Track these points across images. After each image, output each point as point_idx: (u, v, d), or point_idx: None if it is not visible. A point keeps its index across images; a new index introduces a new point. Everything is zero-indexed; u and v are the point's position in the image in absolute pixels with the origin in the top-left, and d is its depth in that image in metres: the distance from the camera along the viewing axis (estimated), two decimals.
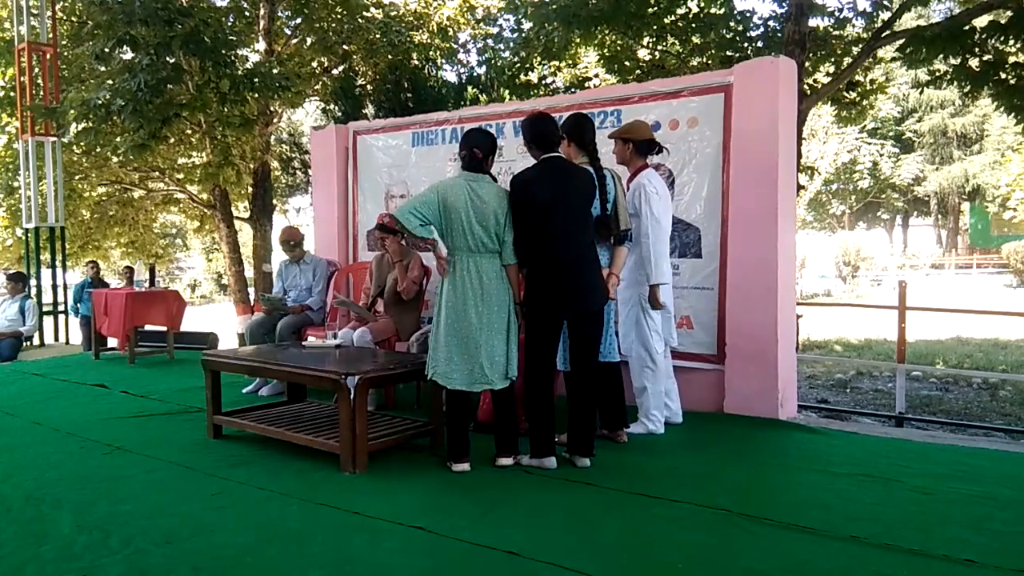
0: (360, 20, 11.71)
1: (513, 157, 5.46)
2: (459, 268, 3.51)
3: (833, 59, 9.90)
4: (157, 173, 13.20)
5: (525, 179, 3.54)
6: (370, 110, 12.28)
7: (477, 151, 3.57)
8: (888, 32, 8.84)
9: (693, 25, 9.91)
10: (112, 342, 7.74)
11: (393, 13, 12.10)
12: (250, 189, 12.69)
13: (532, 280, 3.54)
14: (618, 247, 3.91)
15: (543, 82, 12.97)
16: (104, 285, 10.77)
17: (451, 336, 3.49)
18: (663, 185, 4.19)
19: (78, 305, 10.20)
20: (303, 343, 4.97)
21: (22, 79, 9.63)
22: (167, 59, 8.26)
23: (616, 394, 4.04)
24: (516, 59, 11.96)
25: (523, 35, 11.07)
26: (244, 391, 5.51)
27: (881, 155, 33.08)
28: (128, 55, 8.73)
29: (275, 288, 6.06)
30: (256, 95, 9.20)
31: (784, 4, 8.94)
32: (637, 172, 4.14)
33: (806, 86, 9.27)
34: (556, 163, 3.57)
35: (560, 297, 3.48)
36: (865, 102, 11.09)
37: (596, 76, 12.63)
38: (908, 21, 13.60)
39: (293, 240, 5.89)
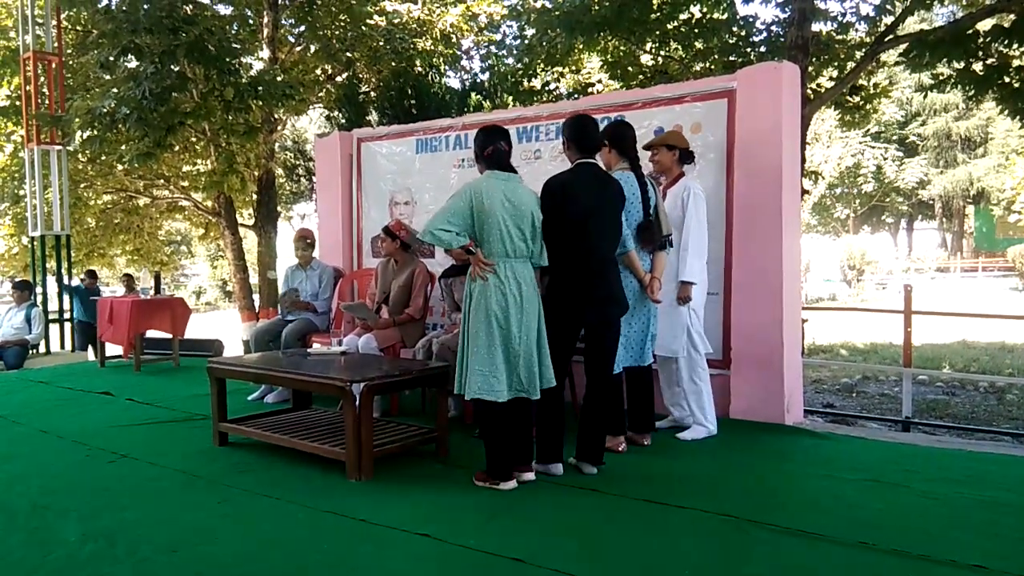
0: (364, 28, 11.77)
1: (516, 163, 5.44)
2: (498, 275, 3.27)
3: (836, 63, 9.93)
4: (162, 181, 13.31)
5: (561, 182, 3.48)
6: (374, 117, 12.32)
7: (503, 144, 3.45)
8: (891, 36, 8.86)
9: (696, 31, 9.95)
10: (116, 349, 7.76)
11: (396, 20, 12.15)
12: (255, 196, 12.77)
13: (555, 285, 3.51)
14: (659, 252, 3.91)
15: (546, 88, 13.00)
16: (95, 293, 10.76)
17: (494, 347, 3.25)
18: None
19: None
20: (308, 350, 4.98)
21: (28, 88, 9.69)
22: (172, 67, 8.31)
23: (647, 397, 4.08)
24: (519, 65, 12.00)
25: (526, 41, 11.11)
26: (249, 398, 5.51)
27: (885, 159, 33.11)
28: (133, 64, 8.78)
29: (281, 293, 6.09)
30: (260, 103, 9.25)
31: (787, 9, 8.95)
32: (677, 179, 4.22)
33: (809, 91, 9.28)
34: (592, 170, 3.54)
35: (581, 305, 3.46)
36: (868, 106, 11.13)
37: (599, 82, 12.65)
38: (911, 25, 13.58)
39: (310, 239, 5.96)
